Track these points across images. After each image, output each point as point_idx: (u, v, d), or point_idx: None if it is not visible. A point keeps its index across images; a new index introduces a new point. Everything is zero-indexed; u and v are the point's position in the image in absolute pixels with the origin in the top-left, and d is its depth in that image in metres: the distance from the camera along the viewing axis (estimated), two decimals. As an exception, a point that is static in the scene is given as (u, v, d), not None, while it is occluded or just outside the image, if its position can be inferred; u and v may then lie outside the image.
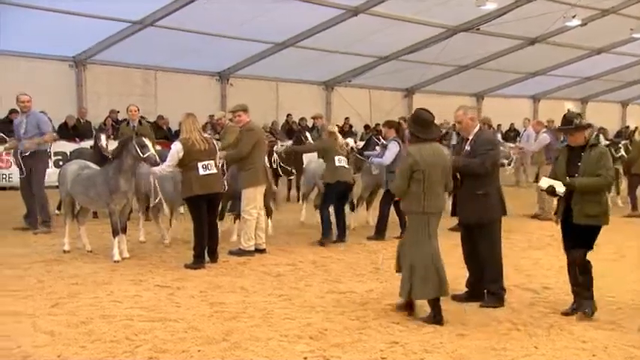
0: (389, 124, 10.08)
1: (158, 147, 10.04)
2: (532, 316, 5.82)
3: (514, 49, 22.56)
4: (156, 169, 7.82)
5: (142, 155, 7.71)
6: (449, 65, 23.20)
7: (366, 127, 23.31)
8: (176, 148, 7.66)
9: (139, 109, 10.84)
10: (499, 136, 18.58)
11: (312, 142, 11.29)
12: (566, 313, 5.79)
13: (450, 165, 5.81)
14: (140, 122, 10.85)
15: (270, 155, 10.08)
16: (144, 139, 7.81)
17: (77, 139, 16.11)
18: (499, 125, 24.35)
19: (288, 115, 21.73)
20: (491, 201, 6.07)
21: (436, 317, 5.57)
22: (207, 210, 7.76)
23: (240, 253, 8.31)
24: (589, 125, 5.85)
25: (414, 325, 5.53)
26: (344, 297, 6.42)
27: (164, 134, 17.82)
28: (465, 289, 6.34)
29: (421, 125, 5.71)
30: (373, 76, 22.60)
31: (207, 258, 7.77)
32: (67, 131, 16.52)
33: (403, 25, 18.65)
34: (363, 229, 10.27)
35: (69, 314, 5.66)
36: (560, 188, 5.65)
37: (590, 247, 5.73)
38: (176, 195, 8.65)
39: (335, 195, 9.29)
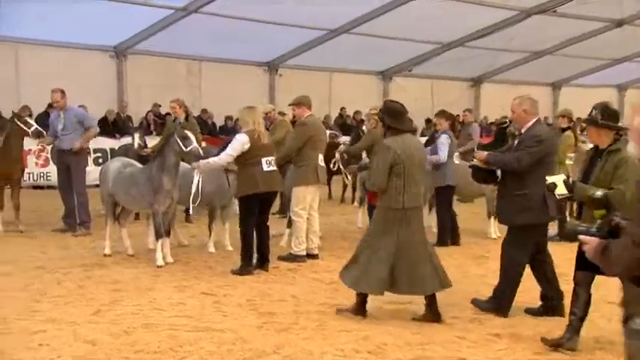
0: (442, 114, 9.95)
1: (204, 144, 10.22)
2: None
3: (597, 33, 21.93)
4: (213, 159, 7.93)
5: (184, 149, 7.84)
6: (521, 52, 22.77)
7: (428, 121, 23.10)
8: (242, 140, 7.68)
9: (181, 104, 11.00)
10: (578, 130, 18.11)
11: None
12: (553, 345, 5.27)
13: (424, 158, 6.09)
14: (187, 118, 10.97)
15: (329, 156, 10.05)
16: (186, 131, 7.98)
17: (117, 136, 16.51)
18: (578, 118, 23.72)
19: (342, 109, 21.77)
20: (529, 203, 5.96)
21: (359, 310, 5.99)
22: (261, 210, 7.85)
23: (291, 258, 8.37)
24: (610, 127, 5.19)
25: (482, 340, 5.46)
26: (404, 308, 6.39)
27: (208, 130, 18.09)
28: (540, 303, 6.25)
29: (394, 116, 5.94)
30: (436, 64, 22.37)
31: (255, 263, 7.86)
32: (107, 127, 16.94)
33: (469, 7, 18.38)
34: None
35: (111, 323, 5.82)
36: (561, 190, 5.27)
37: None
38: (217, 195, 8.72)
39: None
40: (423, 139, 14.31)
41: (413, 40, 20.59)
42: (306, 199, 8.47)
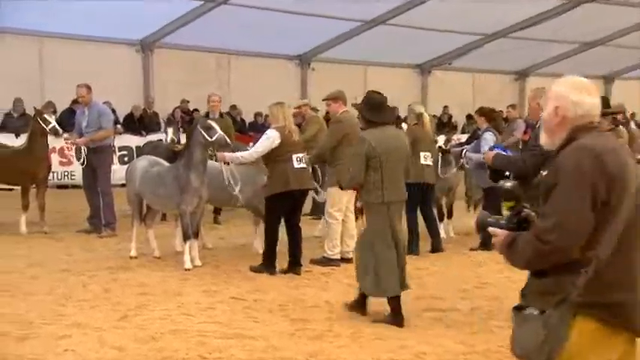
0: (481, 111, 9.91)
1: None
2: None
3: (653, 21, 21.53)
4: (242, 154, 7.98)
5: (209, 139, 7.92)
6: (570, 42, 22.46)
7: (469, 117, 22.93)
8: (272, 136, 7.77)
9: (220, 100, 11.10)
10: (633, 125, 17.76)
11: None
12: None
13: (405, 149, 6.26)
14: (221, 115, 11.05)
15: None
16: (209, 121, 8.06)
17: (143, 133, 16.70)
18: (632, 114, 23.35)
19: (379, 105, 21.71)
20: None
21: (396, 318, 6.03)
22: (292, 210, 7.88)
23: (324, 261, 8.40)
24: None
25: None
26: (444, 316, 6.39)
27: (238, 127, 18.19)
28: None
29: (373, 109, 6.16)
30: (477, 57, 22.19)
31: (277, 267, 7.95)
32: (133, 123, 17.15)
33: (514, -4, 18.22)
34: (468, 237, 10.14)
35: (137, 328, 5.90)
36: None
37: None
38: (257, 196, 8.74)
39: (419, 196, 9.24)
40: (464, 137, 14.24)
41: (453, 31, 20.43)
42: (341, 201, 8.49)
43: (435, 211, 9.74)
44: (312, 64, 21.47)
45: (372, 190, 6.05)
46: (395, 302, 6.14)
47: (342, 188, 7.27)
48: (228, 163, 8.25)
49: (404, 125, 11.43)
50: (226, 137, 8.01)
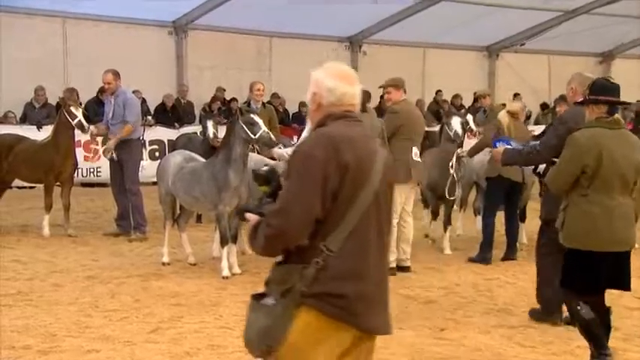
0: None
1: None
2: None
3: None
4: (280, 151, 8.01)
5: (252, 136, 7.96)
6: (664, 19, 21.97)
7: (544, 106, 22.60)
8: (307, 126, 7.85)
9: (264, 89, 11.17)
10: None
11: (473, 127, 11.07)
12: None
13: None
14: (264, 105, 11.05)
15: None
16: (252, 115, 8.07)
17: (176, 125, 16.89)
18: None
19: (438, 92, 21.56)
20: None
21: None
22: None
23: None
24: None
25: None
26: (517, 333, 6.33)
27: (280, 118, 18.25)
28: None
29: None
30: (554, 37, 21.81)
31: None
32: (165, 114, 17.34)
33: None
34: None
35: (171, 342, 5.98)
36: None
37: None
38: None
39: (501, 195, 9.15)
40: (540, 128, 14.03)
41: (526, 7, 20.17)
42: (396, 201, 8.45)
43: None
44: (363, 46, 21.42)
45: None
46: None
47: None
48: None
49: (469, 117, 11.25)
50: (271, 134, 8.04)
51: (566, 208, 5.35)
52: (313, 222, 3.04)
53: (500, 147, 7.05)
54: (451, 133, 9.51)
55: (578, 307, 5.29)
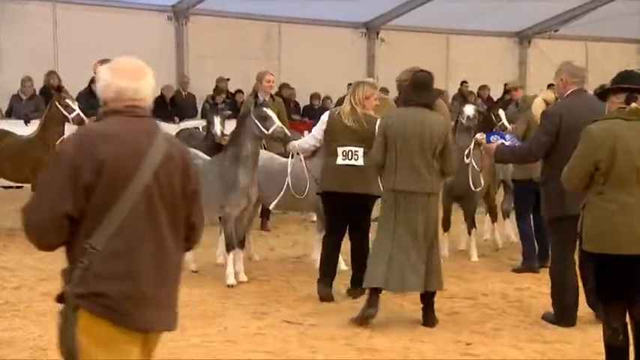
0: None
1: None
2: None
3: None
4: (297, 143, 8.03)
5: (265, 131, 7.98)
6: None
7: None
8: (321, 119, 7.99)
9: (275, 80, 11.17)
10: None
11: (505, 123, 11.00)
12: None
13: (428, 138, 6.75)
14: (272, 97, 11.07)
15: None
16: (264, 109, 8.08)
17: (176, 119, 16.93)
18: None
19: (463, 83, 21.52)
20: (548, 193, 6.72)
21: (364, 313, 6.77)
22: (350, 217, 7.90)
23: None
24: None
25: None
26: (551, 348, 6.33)
27: (289, 111, 18.23)
28: None
29: (415, 87, 6.92)
30: (592, 22, 21.74)
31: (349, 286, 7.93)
32: (164, 107, 17.31)
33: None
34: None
35: (171, 356, 5.98)
36: None
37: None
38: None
39: (532, 196, 9.15)
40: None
41: (560, -10, 20.14)
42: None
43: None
44: (381, 33, 21.41)
45: (386, 174, 6.89)
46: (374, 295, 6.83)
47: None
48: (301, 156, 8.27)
49: (501, 112, 11.18)
50: (285, 129, 8.05)
51: (583, 209, 5.34)
52: (64, 218, 3.25)
53: (494, 142, 7.13)
54: (464, 120, 9.53)
55: (607, 330, 5.27)
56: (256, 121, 8.02)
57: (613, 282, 5.20)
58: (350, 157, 7.70)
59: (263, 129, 8.00)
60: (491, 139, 7.48)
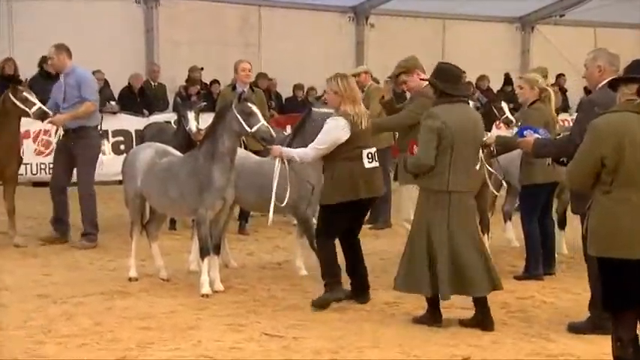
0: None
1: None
2: None
3: None
4: (298, 152, 7.89)
5: (248, 129, 7.93)
6: None
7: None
8: (338, 125, 7.65)
9: (251, 68, 11.11)
10: None
11: (509, 116, 11.00)
12: None
13: (481, 133, 7.15)
14: (252, 88, 11.07)
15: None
16: (249, 104, 8.02)
17: (145, 112, 16.88)
18: None
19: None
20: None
21: (431, 318, 7.14)
22: (354, 220, 7.92)
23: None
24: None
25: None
26: (555, 363, 6.31)
27: (272, 104, 18.18)
28: None
29: (449, 80, 7.03)
30: (602, 6, 21.83)
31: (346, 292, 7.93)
32: (132, 99, 17.31)
33: None
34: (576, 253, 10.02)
35: (140, 373, 5.97)
36: None
37: None
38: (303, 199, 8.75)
39: (542, 199, 9.20)
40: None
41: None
42: (407, 205, 8.49)
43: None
44: (370, 18, 21.42)
45: (437, 174, 6.93)
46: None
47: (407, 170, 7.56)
48: (284, 161, 8.00)
49: (504, 104, 11.16)
50: (271, 129, 7.98)
51: (589, 209, 5.36)
52: None
53: (529, 136, 7.15)
54: None
55: (616, 343, 5.29)
56: (238, 117, 7.94)
57: (622, 290, 5.21)
58: (373, 159, 7.82)
59: (246, 126, 7.92)
60: (524, 133, 7.50)
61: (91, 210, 10.57)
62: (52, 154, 14.72)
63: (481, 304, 7.10)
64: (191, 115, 11.08)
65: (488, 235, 10.06)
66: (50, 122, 10.60)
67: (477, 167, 9.12)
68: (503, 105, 11.09)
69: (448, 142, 6.86)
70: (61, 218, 10.74)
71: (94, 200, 10.65)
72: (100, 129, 11.40)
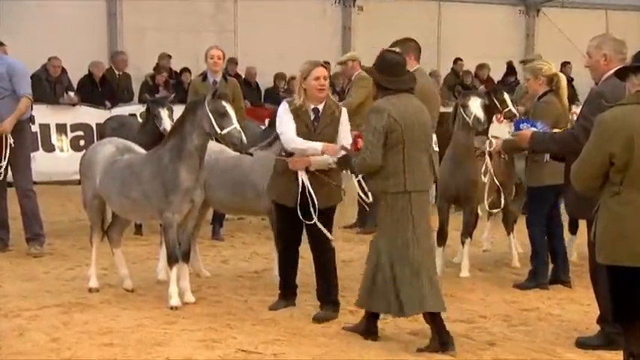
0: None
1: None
2: None
3: None
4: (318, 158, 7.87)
5: (218, 130, 7.91)
6: None
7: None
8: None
9: (222, 55, 11.05)
10: None
11: (513, 110, 11.00)
12: None
13: (429, 126, 7.07)
14: (225, 77, 11.05)
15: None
16: (223, 102, 8.00)
17: (107, 104, 16.81)
18: None
19: (457, 61, 21.59)
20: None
21: (365, 329, 7.13)
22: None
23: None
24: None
25: None
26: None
27: (250, 94, 18.18)
28: None
29: (386, 71, 7.00)
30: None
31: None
32: (92, 89, 17.17)
33: None
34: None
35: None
36: None
37: None
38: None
39: (550, 200, 9.26)
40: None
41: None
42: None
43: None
44: (358, 0, 21.47)
45: (390, 175, 6.85)
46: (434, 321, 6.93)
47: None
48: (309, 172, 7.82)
49: (506, 96, 11.12)
50: (243, 135, 7.91)
51: (596, 213, 5.36)
52: None
53: (526, 129, 7.16)
54: (470, 119, 9.37)
55: (627, 358, 5.30)
56: (210, 115, 7.91)
57: (632, 300, 5.22)
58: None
59: (217, 127, 7.87)
60: (521, 126, 7.53)
61: (33, 210, 10.52)
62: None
63: (437, 322, 6.95)
64: (164, 112, 11.02)
65: (514, 233, 10.23)
66: (2, 132, 10.23)
67: (486, 179, 9.26)
68: (506, 96, 11.02)
69: (398, 138, 6.81)
70: (2, 224, 10.71)
71: (35, 199, 10.60)
72: (32, 122, 11.19)
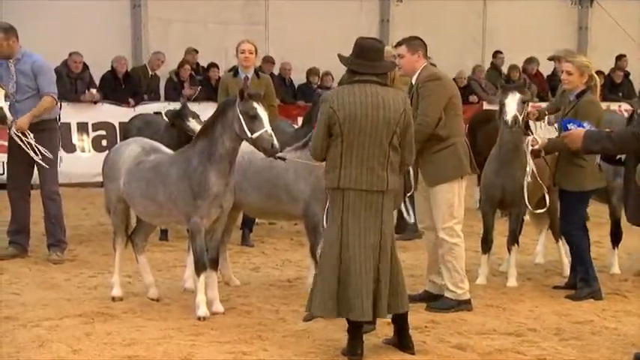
0: None
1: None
2: None
3: None
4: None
5: (249, 134, 7.92)
6: None
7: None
8: None
9: (254, 50, 11.06)
10: None
11: (542, 106, 11.00)
12: None
13: (387, 120, 6.90)
14: (257, 74, 11.03)
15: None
16: (254, 104, 7.99)
17: (131, 101, 16.92)
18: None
19: (496, 54, 21.47)
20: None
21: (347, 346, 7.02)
22: None
23: (446, 306, 8.48)
24: None
25: None
26: None
27: (284, 92, 18.15)
28: None
29: (359, 55, 7.08)
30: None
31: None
32: (115, 86, 17.31)
33: None
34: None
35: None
36: None
37: None
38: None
39: (587, 203, 9.24)
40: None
41: None
42: (462, 206, 8.57)
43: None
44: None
45: (330, 169, 7.07)
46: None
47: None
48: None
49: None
50: (274, 138, 7.88)
51: None
52: None
53: (576, 129, 7.12)
54: (508, 117, 9.25)
55: None
56: (241, 118, 7.91)
57: None
58: None
59: (247, 130, 7.85)
60: (568, 126, 7.49)
61: (57, 214, 10.58)
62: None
63: (400, 326, 7.23)
64: (193, 123, 11.16)
65: (562, 240, 10.04)
66: (18, 129, 10.22)
67: (529, 178, 9.19)
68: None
69: (337, 130, 6.91)
70: (21, 229, 10.75)
71: (60, 202, 10.67)
72: (59, 121, 11.25)
